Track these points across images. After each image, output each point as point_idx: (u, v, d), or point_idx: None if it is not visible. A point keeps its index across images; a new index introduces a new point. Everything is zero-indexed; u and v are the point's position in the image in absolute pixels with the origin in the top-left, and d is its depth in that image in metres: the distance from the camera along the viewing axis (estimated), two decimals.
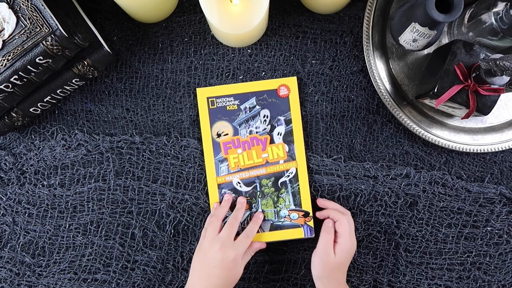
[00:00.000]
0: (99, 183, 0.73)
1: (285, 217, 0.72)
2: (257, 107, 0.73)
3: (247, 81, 0.74)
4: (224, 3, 0.64)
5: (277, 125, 0.73)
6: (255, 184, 0.73)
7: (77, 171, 0.73)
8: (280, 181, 0.73)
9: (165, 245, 0.73)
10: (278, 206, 0.72)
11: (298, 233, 0.72)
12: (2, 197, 0.74)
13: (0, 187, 0.74)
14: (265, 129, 0.73)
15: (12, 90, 0.63)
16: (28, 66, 0.61)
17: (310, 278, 0.69)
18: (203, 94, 0.73)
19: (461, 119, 0.67)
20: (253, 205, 0.72)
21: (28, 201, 0.74)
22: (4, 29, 0.60)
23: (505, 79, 0.58)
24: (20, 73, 0.61)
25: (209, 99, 0.73)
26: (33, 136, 0.74)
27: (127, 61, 0.74)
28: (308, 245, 0.73)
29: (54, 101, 0.72)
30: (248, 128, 0.73)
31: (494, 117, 0.72)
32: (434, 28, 0.61)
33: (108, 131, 0.74)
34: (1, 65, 0.60)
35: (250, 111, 0.73)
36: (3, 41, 0.60)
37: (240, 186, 0.73)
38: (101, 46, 0.68)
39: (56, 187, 0.73)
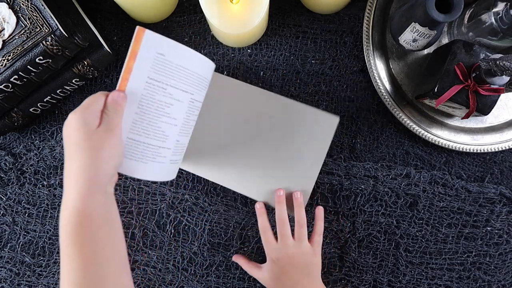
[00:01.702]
0: None
1: None
2: None
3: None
4: (224, 3, 0.64)
5: None
6: None
7: None
8: None
9: (165, 245, 0.73)
10: None
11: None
12: (2, 197, 0.74)
13: (0, 187, 0.74)
14: None
15: (12, 90, 0.63)
16: (28, 66, 0.61)
17: None
18: None
19: (461, 119, 0.67)
20: None
21: (28, 201, 0.74)
22: (4, 29, 0.60)
23: (505, 79, 0.58)
24: (20, 73, 0.61)
25: None
26: (33, 136, 0.74)
27: None
28: None
29: (54, 101, 0.72)
30: None
31: (494, 117, 0.72)
32: (434, 28, 0.61)
33: None
34: (1, 65, 0.60)
35: None
36: (3, 41, 0.60)
37: None
38: (101, 46, 0.68)
39: (56, 187, 0.73)
